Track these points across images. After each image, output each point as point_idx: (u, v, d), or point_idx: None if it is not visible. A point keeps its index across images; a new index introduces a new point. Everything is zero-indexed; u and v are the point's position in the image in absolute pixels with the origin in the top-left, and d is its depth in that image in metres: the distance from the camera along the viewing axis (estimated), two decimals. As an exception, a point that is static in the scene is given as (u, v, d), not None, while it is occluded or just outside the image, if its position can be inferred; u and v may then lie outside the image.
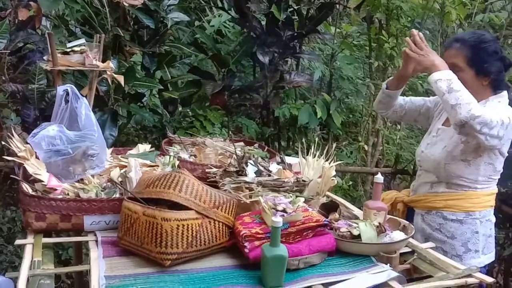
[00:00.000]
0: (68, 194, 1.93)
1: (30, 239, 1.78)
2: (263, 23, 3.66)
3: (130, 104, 3.44)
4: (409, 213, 2.35)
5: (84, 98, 2.15)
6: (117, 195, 1.94)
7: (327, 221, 1.68)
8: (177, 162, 2.25)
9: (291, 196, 1.77)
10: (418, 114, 2.50)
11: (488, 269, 2.29)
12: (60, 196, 1.87)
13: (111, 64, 2.48)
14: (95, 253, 1.70)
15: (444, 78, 2.03)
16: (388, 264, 1.62)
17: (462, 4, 4.04)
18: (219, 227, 1.69)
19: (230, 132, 3.65)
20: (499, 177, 2.22)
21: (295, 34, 3.61)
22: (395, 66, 3.92)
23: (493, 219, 2.25)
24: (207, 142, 2.76)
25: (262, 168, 2.00)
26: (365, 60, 4.33)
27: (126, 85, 3.24)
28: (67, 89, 2.13)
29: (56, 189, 1.94)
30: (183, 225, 1.60)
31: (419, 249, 1.76)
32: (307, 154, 2.18)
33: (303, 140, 3.57)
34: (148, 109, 3.66)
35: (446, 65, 2.09)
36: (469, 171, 2.15)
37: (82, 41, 2.44)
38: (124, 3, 3.21)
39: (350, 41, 4.47)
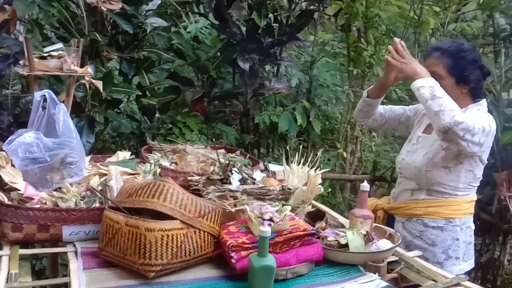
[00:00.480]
0: (45, 204, 1.85)
1: (6, 250, 1.70)
2: (243, 29, 3.64)
3: (107, 110, 3.37)
4: (389, 221, 2.35)
5: (62, 104, 2.09)
6: (97, 204, 1.87)
7: (314, 230, 1.66)
8: (158, 170, 2.21)
9: (277, 205, 1.74)
10: (398, 123, 2.51)
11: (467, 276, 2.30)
12: (37, 206, 1.80)
13: (90, 69, 2.42)
14: (74, 265, 1.63)
15: (427, 85, 2.04)
16: (377, 274, 1.60)
17: (435, 14, 4.09)
18: (204, 237, 1.65)
19: (212, 139, 3.62)
20: (478, 184, 2.25)
21: (275, 41, 3.59)
22: (374, 74, 3.95)
23: (473, 226, 2.28)
24: (188, 149, 2.71)
25: (246, 176, 1.96)
26: (343, 68, 4.34)
27: (103, 91, 3.17)
28: (44, 95, 2.06)
29: (33, 198, 1.86)
30: (168, 236, 1.55)
31: (406, 257, 1.74)
32: (287, 162, 2.15)
33: (284, 147, 3.57)
34: (126, 115, 3.60)
35: (428, 72, 2.11)
36: (449, 178, 2.16)
37: (60, 45, 2.38)
38: (102, 8, 3.16)
39: (329, 49, 4.48)
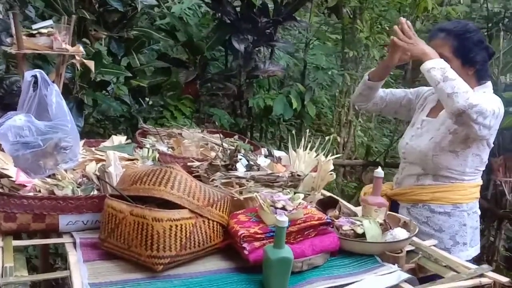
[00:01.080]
0: (39, 191, 1.73)
1: (-2, 242, 1.59)
2: (237, 9, 3.51)
3: (95, 92, 3.22)
4: (393, 207, 2.27)
5: (55, 85, 1.96)
6: (95, 192, 1.76)
7: (329, 218, 1.57)
8: (157, 155, 2.10)
9: (288, 192, 1.65)
10: (399, 106, 2.44)
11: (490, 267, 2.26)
12: (31, 194, 1.67)
13: (81, 48, 2.28)
14: (74, 257, 1.52)
15: (437, 66, 1.97)
16: (396, 264, 1.52)
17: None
18: (213, 227, 1.55)
19: (204, 124, 3.50)
20: (484, 168, 2.19)
21: (271, 21, 3.47)
22: (369, 56, 3.86)
23: (479, 211, 2.22)
24: (184, 134, 2.60)
25: (252, 162, 1.86)
26: (336, 51, 4.24)
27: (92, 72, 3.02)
28: (35, 75, 1.93)
29: (25, 186, 1.74)
30: (176, 226, 1.45)
31: (423, 247, 1.67)
32: (280, 146, 2.06)
33: (278, 131, 3.48)
34: (115, 98, 3.45)
35: (437, 53, 2.03)
36: (457, 163, 2.10)
37: (50, 22, 2.22)
38: (91, -16, 3.00)
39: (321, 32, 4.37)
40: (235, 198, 1.69)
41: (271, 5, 3.63)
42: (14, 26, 2.05)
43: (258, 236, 1.50)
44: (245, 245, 1.48)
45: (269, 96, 3.63)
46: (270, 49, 3.81)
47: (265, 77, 3.64)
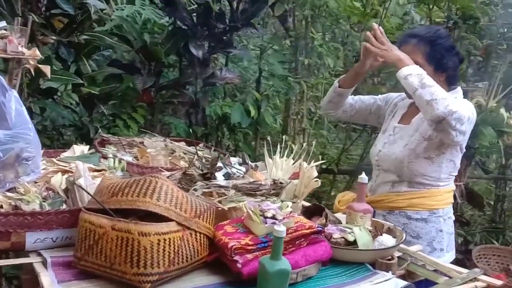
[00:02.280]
0: (1, 207, 1.57)
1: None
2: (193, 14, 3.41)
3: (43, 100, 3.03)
4: None
5: (14, 91, 1.80)
6: (64, 206, 1.62)
7: (320, 227, 1.52)
8: (125, 165, 1.97)
9: (275, 201, 1.58)
10: (369, 113, 2.42)
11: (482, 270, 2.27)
12: (-6, 210, 1.51)
13: (37, 52, 2.12)
14: (47, 278, 1.38)
15: (414, 73, 1.96)
16: (390, 272, 1.49)
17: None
18: (200, 240, 1.46)
19: (160, 132, 3.36)
20: (456, 173, 2.21)
21: (227, 27, 3.40)
22: (324, 63, 3.88)
23: (453, 217, 2.23)
24: (146, 143, 2.49)
25: (233, 171, 1.78)
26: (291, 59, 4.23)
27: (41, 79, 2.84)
28: (-9, 79, 1.76)
29: (-17, 201, 1.58)
30: (165, 240, 1.34)
31: (411, 252, 1.65)
32: (269, 154, 2.00)
33: (234, 139, 3.40)
34: (63, 106, 3.26)
35: (411, 60, 2.03)
36: (432, 169, 2.10)
37: (3, 24, 2.05)
38: (39, -15, 2.82)
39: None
40: (219, 209, 1.60)
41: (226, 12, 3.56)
42: (-35, 27, 1.87)
43: (250, 248, 1.42)
44: (236, 257, 1.40)
45: (226, 104, 3.56)
46: (226, 56, 3.73)
47: (222, 85, 3.57)
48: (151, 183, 1.40)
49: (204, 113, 3.57)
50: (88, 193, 1.42)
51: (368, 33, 2.11)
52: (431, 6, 4.52)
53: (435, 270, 1.58)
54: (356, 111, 2.42)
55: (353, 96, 2.44)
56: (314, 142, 2.45)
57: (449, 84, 2.14)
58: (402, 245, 1.68)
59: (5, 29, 2.04)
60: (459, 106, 1.91)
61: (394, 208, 2.15)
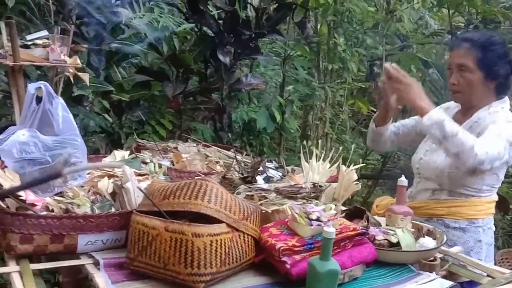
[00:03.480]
0: (52, 211, 1.63)
1: (13, 266, 1.47)
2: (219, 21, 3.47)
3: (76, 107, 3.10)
4: None
5: (60, 98, 1.86)
6: (113, 209, 1.67)
7: (364, 229, 1.55)
8: (166, 170, 2.02)
9: (318, 203, 1.62)
10: (415, 135, 2.33)
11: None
12: (48, 213, 1.57)
13: (78, 61, 2.18)
14: (101, 279, 1.42)
15: (434, 122, 1.91)
16: (434, 272, 1.52)
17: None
18: (248, 241, 1.50)
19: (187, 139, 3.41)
20: (500, 185, 2.15)
21: (253, 34, 3.45)
22: (348, 69, 3.91)
23: (493, 227, 2.17)
24: (180, 148, 2.54)
25: (272, 174, 1.82)
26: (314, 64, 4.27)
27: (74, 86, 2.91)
28: (40, 87, 1.82)
29: (35, 205, 1.63)
30: (217, 241, 1.38)
31: (451, 254, 1.68)
32: (305, 158, 2.04)
33: (260, 144, 3.44)
34: (94, 112, 3.33)
35: (428, 101, 1.98)
36: (473, 181, 2.04)
37: (45, 33, 2.11)
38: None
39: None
40: (263, 211, 1.64)
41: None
42: (11, 37, 1.93)
43: (297, 249, 1.46)
44: (285, 258, 1.43)
45: (251, 109, 3.61)
46: (251, 62, 3.79)
47: (248, 90, 3.62)
48: (201, 186, 1.45)
49: (230, 119, 3.62)
50: (148, 197, 1.46)
51: (386, 65, 2.07)
52: (451, 11, 4.55)
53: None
54: (402, 137, 2.36)
55: (394, 123, 2.39)
56: (340, 147, 2.47)
57: (498, 93, 2.09)
58: (442, 247, 1.70)
59: (47, 38, 2.10)
60: (487, 149, 1.86)
61: (433, 216, 2.10)
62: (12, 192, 1.54)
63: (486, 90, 2.05)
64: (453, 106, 2.24)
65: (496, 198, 2.15)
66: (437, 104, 4.25)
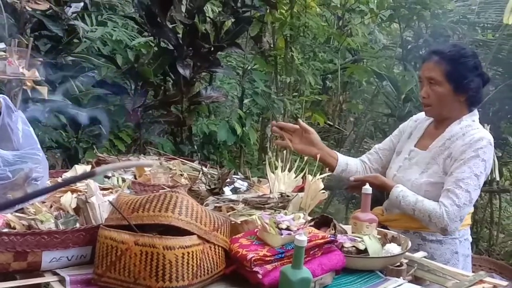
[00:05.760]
0: (14, 228, 1.57)
1: (-30, 287, 1.41)
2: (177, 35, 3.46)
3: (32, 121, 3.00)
4: None
5: (20, 111, 1.80)
6: (77, 225, 1.63)
7: (333, 237, 1.57)
8: (130, 183, 1.99)
9: (286, 213, 1.63)
10: (394, 152, 2.29)
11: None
12: (10, 230, 1.51)
13: (37, 73, 2.12)
14: (68, 297, 1.39)
15: (399, 197, 2.00)
16: (401, 278, 1.55)
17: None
18: (219, 253, 1.49)
19: (144, 152, 3.37)
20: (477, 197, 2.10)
21: (212, 47, 3.46)
22: (305, 82, 3.98)
23: (470, 238, 2.16)
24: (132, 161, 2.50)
25: (240, 185, 1.83)
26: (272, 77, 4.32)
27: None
28: (-2, 101, 1.77)
29: (-5, 222, 1.57)
30: (188, 253, 1.37)
31: (416, 259, 1.72)
32: (271, 169, 2.05)
33: (219, 157, 3.44)
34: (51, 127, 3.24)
35: (387, 183, 2.06)
36: None
37: (2, 45, 2.05)
38: (27, 8, 2.82)
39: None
40: (232, 222, 1.64)
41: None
42: (-34, 49, 1.87)
43: (268, 258, 1.46)
44: (256, 268, 1.43)
45: (211, 122, 3.61)
46: (210, 75, 3.79)
47: (208, 103, 3.61)
48: (172, 198, 1.43)
49: (190, 132, 3.60)
50: (118, 210, 1.43)
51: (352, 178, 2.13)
52: (403, 25, 4.70)
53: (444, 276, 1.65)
54: (385, 160, 2.31)
55: (370, 151, 2.38)
56: (306, 158, 2.50)
57: (469, 105, 2.07)
58: (407, 253, 1.74)
59: (4, 51, 2.04)
60: (456, 203, 1.92)
61: (409, 228, 2.07)
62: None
63: (457, 103, 2.04)
64: (424, 118, 2.22)
65: (472, 209, 2.14)
66: (391, 115, 4.36)
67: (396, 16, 4.46)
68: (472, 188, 1.95)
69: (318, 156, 2.18)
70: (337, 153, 2.33)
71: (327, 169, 2.22)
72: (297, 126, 2.22)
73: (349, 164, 2.29)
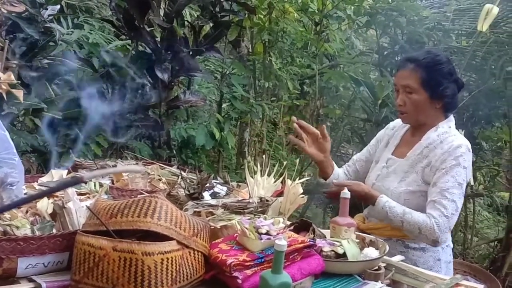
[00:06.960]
0: (-12, 233, 1.54)
1: None
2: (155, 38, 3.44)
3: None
4: None
5: (-5, 115, 1.77)
6: (54, 231, 1.60)
7: (312, 241, 1.58)
8: (108, 188, 1.97)
9: (266, 217, 1.64)
10: (371, 162, 2.33)
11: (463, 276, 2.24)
12: (-16, 236, 1.48)
13: (13, 76, 2.09)
14: (44, 304, 1.36)
15: (384, 209, 2.02)
16: (379, 281, 1.57)
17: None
18: (198, 258, 1.49)
19: (121, 157, 3.34)
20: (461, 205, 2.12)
21: (191, 51, 3.46)
22: (283, 87, 4.00)
23: (451, 244, 2.19)
24: (119, 166, 2.48)
25: (219, 190, 1.82)
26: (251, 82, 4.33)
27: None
28: (-28, 104, 1.74)
29: (-31, 228, 1.54)
30: (167, 259, 1.37)
31: (394, 263, 1.74)
32: (250, 174, 2.06)
33: (197, 161, 3.43)
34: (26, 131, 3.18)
35: (372, 193, 2.07)
36: None
37: (-24, 47, 2.01)
38: (2, 10, 2.78)
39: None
40: (211, 227, 1.64)
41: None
42: None
43: (247, 263, 1.46)
44: (236, 274, 1.43)
45: (190, 127, 3.59)
46: (188, 79, 3.78)
47: (186, 107, 3.60)
48: (151, 203, 1.42)
49: (168, 136, 3.58)
50: (97, 216, 1.41)
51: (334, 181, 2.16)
52: (380, 32, 4.76)
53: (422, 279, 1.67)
54: (362, 170, 2.34)
55: (349, 163, 2.41)
56: (285, 162, 2.51)
57: (445, 111, 2.09)
58: (385, 257, 1.76)
59: (-23, 54, 2.00)
60: (444, 213, 1.94)
61: (392, 236, 2.09)
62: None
63: (433, 110, 2.05)
64: (400, 125, 2.24)
65: None
66: (368, 120, 4.41)
67: (372, 22, 4.52)
68: (457, 197, 1.97)
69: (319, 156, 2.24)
70: (334, 163, 2.36)
71: (311, 174, 2.25)
72: (316, 130, 2.22)
73: (340, 175, 2.34)
